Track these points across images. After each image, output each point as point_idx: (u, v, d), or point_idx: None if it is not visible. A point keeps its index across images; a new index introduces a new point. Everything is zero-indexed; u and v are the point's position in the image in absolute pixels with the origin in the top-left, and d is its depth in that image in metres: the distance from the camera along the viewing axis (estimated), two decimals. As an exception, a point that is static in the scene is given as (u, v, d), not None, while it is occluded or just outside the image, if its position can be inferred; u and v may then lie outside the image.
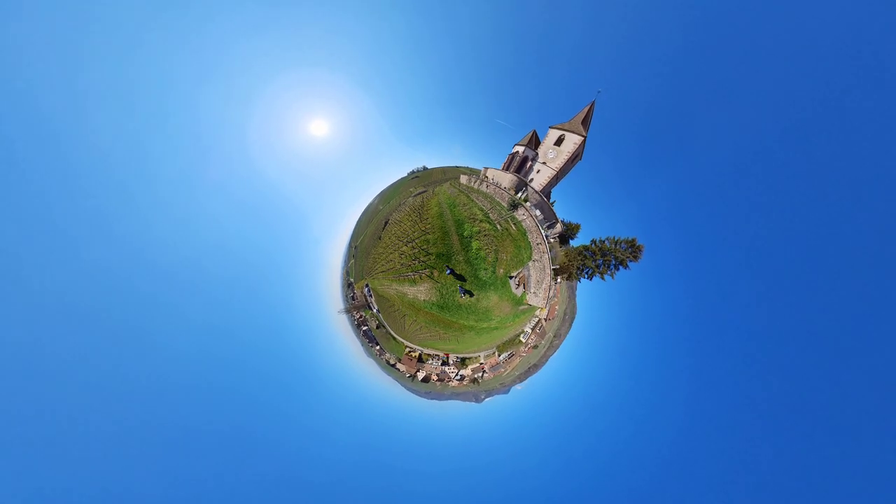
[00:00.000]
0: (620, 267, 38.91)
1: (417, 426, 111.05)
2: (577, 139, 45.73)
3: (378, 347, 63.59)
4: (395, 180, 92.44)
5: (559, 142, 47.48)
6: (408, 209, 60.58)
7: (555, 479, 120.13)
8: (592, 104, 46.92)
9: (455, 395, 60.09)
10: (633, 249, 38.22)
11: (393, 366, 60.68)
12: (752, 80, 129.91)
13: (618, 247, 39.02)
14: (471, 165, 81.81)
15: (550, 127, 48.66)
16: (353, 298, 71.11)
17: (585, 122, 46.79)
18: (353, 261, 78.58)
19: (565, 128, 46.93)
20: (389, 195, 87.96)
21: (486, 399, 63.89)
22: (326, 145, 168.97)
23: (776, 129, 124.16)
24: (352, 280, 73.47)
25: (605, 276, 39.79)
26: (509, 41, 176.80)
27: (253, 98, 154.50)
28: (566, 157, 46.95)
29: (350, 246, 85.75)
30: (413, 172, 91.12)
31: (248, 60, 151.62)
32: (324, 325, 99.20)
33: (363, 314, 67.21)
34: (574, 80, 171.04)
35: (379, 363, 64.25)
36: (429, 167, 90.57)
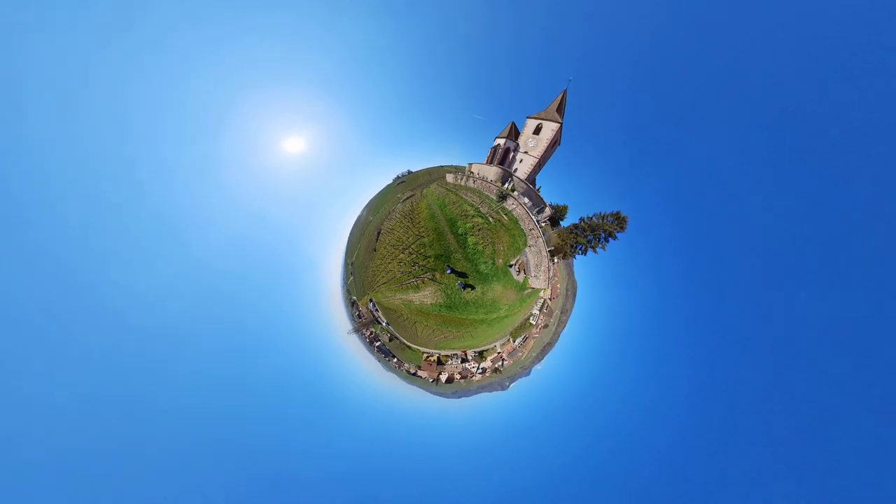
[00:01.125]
0: (610, 239, 47.29)
1: (453, 427, 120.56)
2: (554, 126, 54.27)
3: (395, 360, 71.54)
4: (380, 188, 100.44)
5: (537, 130, 56.05)
6: (398, 216, 68.61)
7: (589, 450, 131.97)
8: (565, 92, 55.69)
9: (482, 389, 68.55)
10: (619, 221, 46.66)
11: (414, 374, 68.76)
12: (717, 52, 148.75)
13: (605, 221, 47.49)
14: (455, 163, 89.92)
15: (528, 117, 57.37)
16: (359, 317, 78.72)
17: (560, 109, 55.46)
18: (351, 278, 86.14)
19: (542, 117, 55.51)
20: (377, 204, 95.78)
21: (512, 385, 72.47)
22: (304, 161, 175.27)
23: (752, 101, 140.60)
24: (354, 298, 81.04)
25: (598, 250, 48.17)
26: (477, 37, 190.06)
27: (219, 123, 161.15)
28: (546, 145, 55.47)
29: (346, 263, 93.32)
30: (398, 178, 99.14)
31: (209, 83, 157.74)
32: (335, 351, 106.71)
33: (373, 330, 74.88)
34: (544, 71, 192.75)
35: (400, 375, 72.34)
36: (413, 170, 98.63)
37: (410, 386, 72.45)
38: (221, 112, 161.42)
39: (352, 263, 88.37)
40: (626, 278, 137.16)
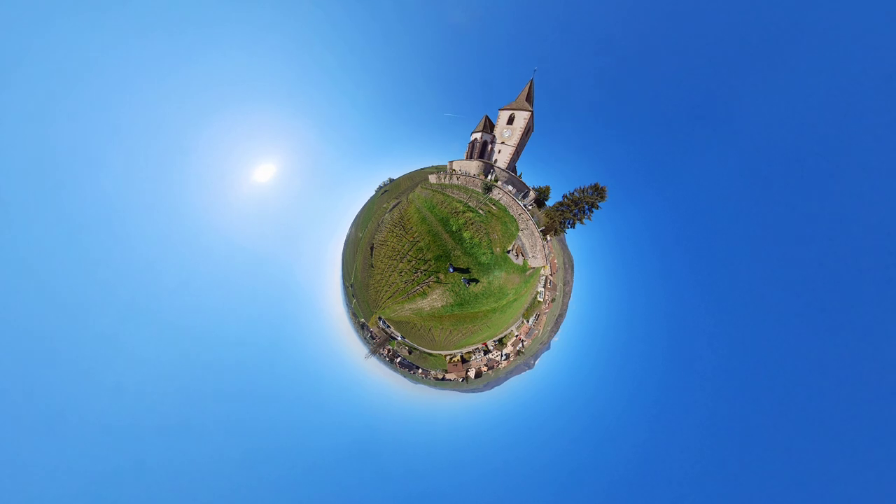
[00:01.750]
0: (593, 209, 54.85)
1: (496, 418, 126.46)
2: (526, 114, 62.18)
3: (420, 370, 78.16)
4: (364, 202, 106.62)
5: (511, 121, 63.94)
6: (389, 226, 74.86)
7: (631, 406, 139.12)
8: (531, 82, 63.56)
9: (510, 374, 76.40)
10: (598, 192, 54.17)
11: (443, 379, 75.59)
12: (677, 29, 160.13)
13: (585, 194, 54.98)
14: (435, 163, 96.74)
15: (500, 109, 65.19)
16: (372, 338, 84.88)
17: (529, 98, 63.59)
18: (354, 301, 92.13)
19: (513, 107, 63.46)
20: (364, 219, 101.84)
21: (537, 362, 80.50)
22: (277, 188, 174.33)
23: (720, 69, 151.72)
24: (363, 320, 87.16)
25: (584, 221, 55.78)
26: (443, 35, 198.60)
27: (179, 165, 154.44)
28: (520, 133, 63.38)
29: (345, 287, 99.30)
30: (381, 187, 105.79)
31: (160, 118, 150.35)
32: (358, 380, 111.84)
33: (390, 347, 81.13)
34: (509, 63, 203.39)
35: (429, 384, 78.96)
36: (394, 177, 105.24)
37: (442, 391, 79.22)
38: (179, 151, 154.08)
39: (351, 286, 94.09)
40: (616, 242, 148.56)
